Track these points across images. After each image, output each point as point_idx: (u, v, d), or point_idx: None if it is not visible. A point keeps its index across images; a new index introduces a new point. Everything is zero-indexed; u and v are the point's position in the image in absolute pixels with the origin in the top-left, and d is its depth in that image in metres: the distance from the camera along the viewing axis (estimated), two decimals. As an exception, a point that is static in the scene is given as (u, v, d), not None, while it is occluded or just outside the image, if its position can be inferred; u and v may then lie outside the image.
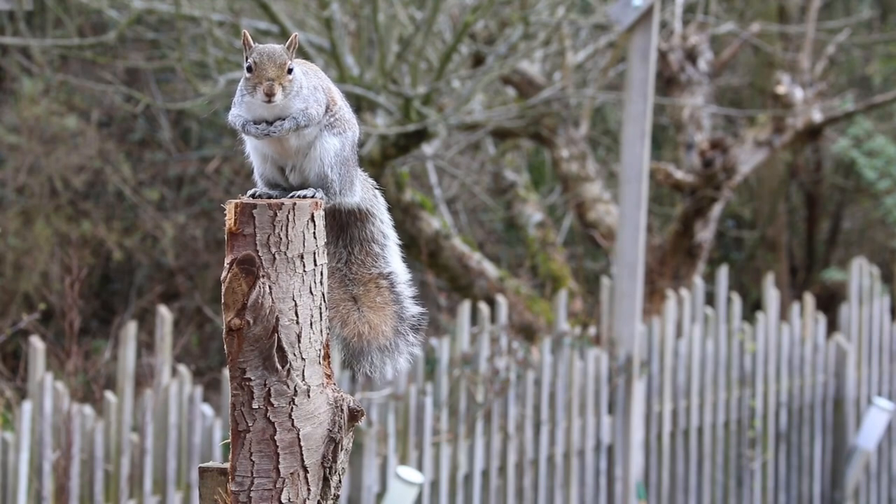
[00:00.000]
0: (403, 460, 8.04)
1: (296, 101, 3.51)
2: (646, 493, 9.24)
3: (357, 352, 3.68)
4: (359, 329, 3.68)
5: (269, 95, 3.46)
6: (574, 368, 8.88)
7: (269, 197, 3.51)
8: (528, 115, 11.04)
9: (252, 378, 3.32)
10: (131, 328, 7.34)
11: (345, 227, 3.71)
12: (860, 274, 10.71)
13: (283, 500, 3.32)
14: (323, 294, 3.40)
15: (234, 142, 4.03)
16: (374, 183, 3.77)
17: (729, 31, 12.53)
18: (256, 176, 3.66)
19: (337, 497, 3.42)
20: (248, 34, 3.50)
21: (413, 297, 3.75)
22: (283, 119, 3.51)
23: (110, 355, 10.01)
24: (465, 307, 8.51)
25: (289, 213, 3.34)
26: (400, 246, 3.77)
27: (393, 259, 3.73)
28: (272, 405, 3.32)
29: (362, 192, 3.69)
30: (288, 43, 3.50)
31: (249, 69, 3.48)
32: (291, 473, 3.33)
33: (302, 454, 3.34)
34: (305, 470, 3.34)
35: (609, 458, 9.11)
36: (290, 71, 3.47)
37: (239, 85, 3.56)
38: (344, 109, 3.63)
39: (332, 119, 3.58)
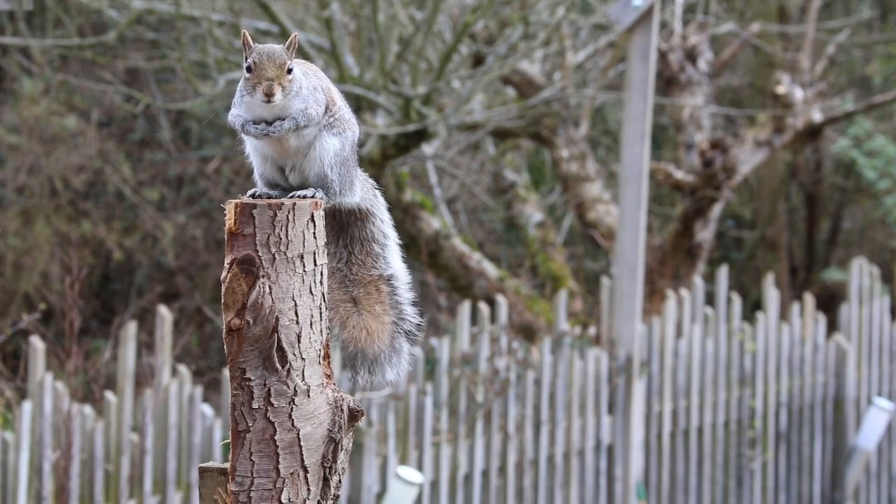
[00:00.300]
0: (403, 460, 8.04)
1: (295, 102, 3.50)
2: (646, 493, 9.24)
3: (352, 356, 3.69)
4: (356, 334, 3.68)
5: (269, 95, 3.45)
6: (574, 368, 8.88)
7: (269, 197, 3.51)
8: (528, 115, 11.04)
9: (252, 378, 3.32)
10: (131, 328, 7.34)
11: (345, 226, 3.70)
12: (860, 274, 10.71)
13: (283, 500, 3.32)
14: (323, 294, 3.40)
15: (234, 142, 4.00)
16: (374, 183, 3.77)
17: (729, 31, 12.53)
18: (256, 176, 3.65)
19: (337, 497, 3.42)
20: (247, 34, 3.49)
21: (413, 303, 3.74)
22: (283, 119, 3.50)
23: (110, 355, 10.01)
24: (465, 307, 8.51)
25: (289, 213, 3.34)
26: (400, 246, 3.77)
27: (393, 260, 3.73)
28: (272, 405, 3.32)
29: (362, 192, 3.68)
30: (288, 43, 3.49)
31: (249, 69, 3.47)
32: (291, 473, 3.33)
33: (302, 454, 3.34)
34: (305, 470, 3.34)
35: (609, 458, 9.11)
36: (289, 71, 3.47)
37: (239, 85, 3.55)
38: (343, 109, 3.62)
39: (331, 119, 3.58)
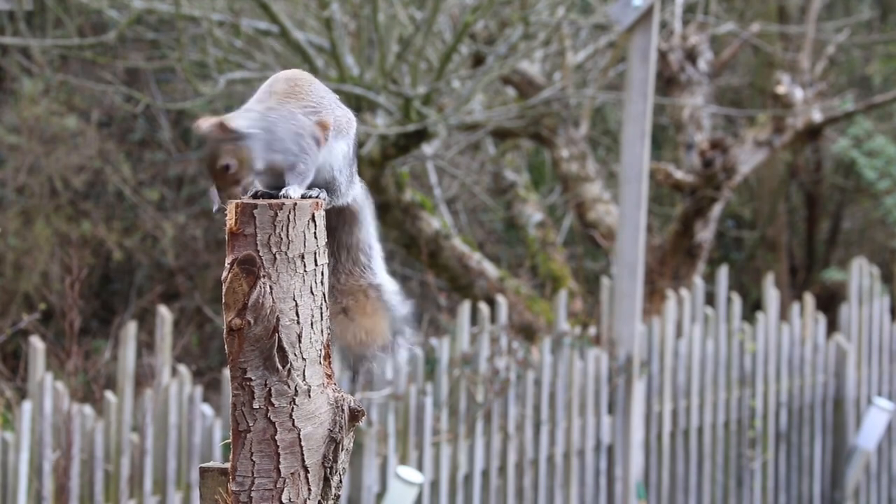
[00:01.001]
0: (403, 460, 8.04)
1: (275, 157, 3.44)
2: (646, 493, 9.24)
3: (360, 357, 3.69)
4: (357, 337, 3.67)
5: (233, 198, 3.41)
6: (574, 368, 8.88)
7: (270, 196, 3.50)
8: (528, 115, 11.04)
9: (253, 378, 3.32)
10: (131, 328, 7.34)
11: (332, 231, 3.69)
12: (860, 274, 10.71)
13: (284, 500, 3.32)
14: (324, 294, 3.40)
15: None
16: (367, 191, 3.73)
17: (729, 31, 12.53)
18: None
19: (338, 497, 3.42)
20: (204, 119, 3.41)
21: (402, 300, 3.73)
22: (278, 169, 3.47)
23: (110, 355, 10.01)
24: (465, 307, 8.51)
25: (289, 213, 3.34)
26: (385, 257, 3.75)
27: (379, 270, 3.71)
28: (273, 405, 3.32)
29: (361, 197, 3.67)
30: (217, 126, 3.36)
31: None
32: (292, 473, 3.33)
33: (303, 454, 3.34)
34: (306, 470, 3.34)
35: (609, 458, 9.11)
36: (226, 168, 3.40)
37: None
38: (339, 112, 3.57)
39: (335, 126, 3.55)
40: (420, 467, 8.08)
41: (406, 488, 7.63)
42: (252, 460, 3.31)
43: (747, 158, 10.97)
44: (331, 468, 3.38)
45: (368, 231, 3.70)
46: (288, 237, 3.33)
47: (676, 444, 9.49)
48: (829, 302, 14.01)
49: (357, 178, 3.66)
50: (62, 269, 12.38)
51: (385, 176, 10.08)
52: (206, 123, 3.40)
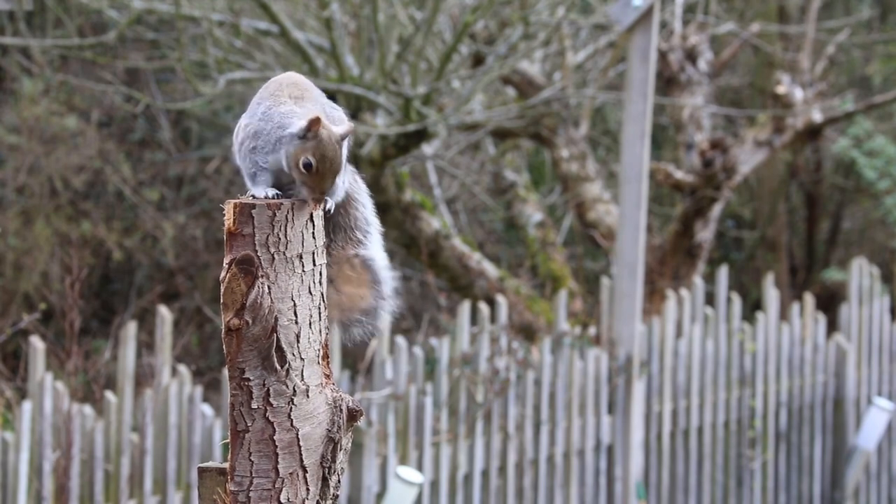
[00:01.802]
0: (403, 460, 8.04)
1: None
2: (646, 493, 9.24)
3: (344, 322, 3.66)
4: (339, 302, 3.64)
5: (320, 206, 3.41)
6: (574, 368, 8.88)
7: (268, 197, 3.50)
8: (528, 115, 11.03)
9: (251, 378, 3.32)
10: (131, 328, 7.34)
11: (329, 215, 3.67)
12: (860, 274, 10.71)
13: (283, 500, 3.32)
14: (322, 294, 3.40)
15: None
16: (354, 169, 3.71)
17: (729, 31, 12.53)
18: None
19: (336, 497, 3.42)
20: (321, 119, 3.37)
21: (391, 274, 3.70)
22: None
23: (110, 355, 10.02)
24: (465, 307, 8.51)
25: (287, 213, 3.34)
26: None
27: (371, 244, 3.68)
28: (271, 405, 3.32)
29: (350, 178, 3.66)
30: (344, 132, 3.39)
31: (308, 167, 3.35)
32: (290, 473, 3.33)
33: (301, 454, 3.34)
34: (304, 470, 3.35)
35: (609, 458, 9.11)
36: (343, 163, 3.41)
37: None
38: (334, 117, 3.56)
39: None
40: (420, 467, 8.08)
41: (406, 488, 7.63)
42: (250, 460, 3.31)
43: (747, 158, 10.97)
44: (329, 468, 3.38)
45: (365, 207, 3.68)
46: (286, 237, 3.34)
47: (676, 444, 9.49)
48: (829, 302, 14.01)
49: (349, 172, 3.63)
50: (62, 269, 12.38)
51: (385, 176, 10.08)
52: (326, 125, 3.36)
